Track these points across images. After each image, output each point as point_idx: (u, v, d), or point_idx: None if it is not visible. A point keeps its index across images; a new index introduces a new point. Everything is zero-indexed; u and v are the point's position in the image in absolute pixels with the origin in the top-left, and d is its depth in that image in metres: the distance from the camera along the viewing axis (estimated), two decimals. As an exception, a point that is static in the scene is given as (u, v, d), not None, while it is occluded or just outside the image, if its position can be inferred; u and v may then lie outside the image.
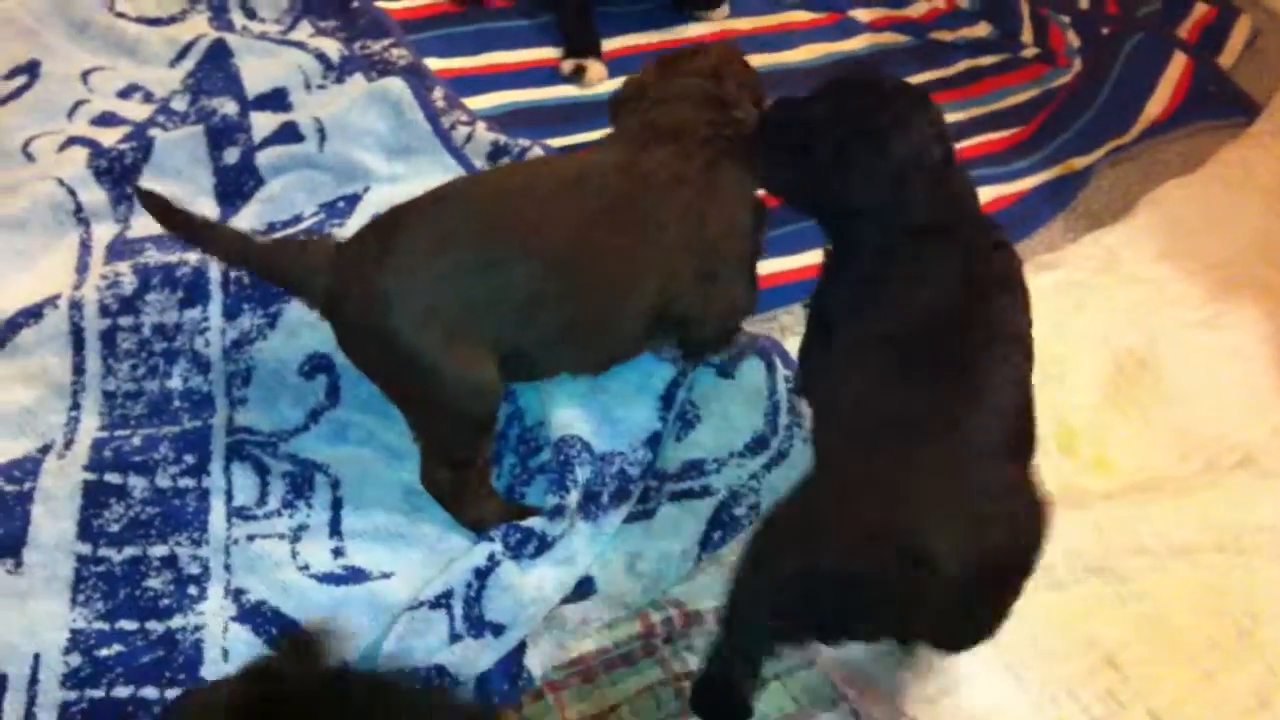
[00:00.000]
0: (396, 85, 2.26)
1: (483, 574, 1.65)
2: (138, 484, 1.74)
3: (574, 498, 1.73)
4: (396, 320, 1.61)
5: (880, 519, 1.39)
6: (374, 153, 2.19)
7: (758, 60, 2.59)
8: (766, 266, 2.05)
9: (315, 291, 1.69)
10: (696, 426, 1.91)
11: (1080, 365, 2.10)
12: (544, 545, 1.70)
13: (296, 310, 1.90)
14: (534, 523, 1.71)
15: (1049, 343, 2.05)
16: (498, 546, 1.67)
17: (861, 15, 2.86)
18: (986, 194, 2.40)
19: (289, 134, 2.19)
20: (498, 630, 1.63)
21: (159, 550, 1.70)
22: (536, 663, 1.66)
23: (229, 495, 1.77)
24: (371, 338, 1.65)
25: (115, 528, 1.70)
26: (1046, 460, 1.92)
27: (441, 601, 1.63)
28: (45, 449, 1.77)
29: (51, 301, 1.91)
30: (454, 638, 1.62)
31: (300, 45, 2.42)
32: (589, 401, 1.85)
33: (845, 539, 1.40)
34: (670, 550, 1.79)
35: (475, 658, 1.62)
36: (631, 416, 1.86)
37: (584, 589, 1.74)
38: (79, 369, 1.87)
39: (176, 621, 1.64)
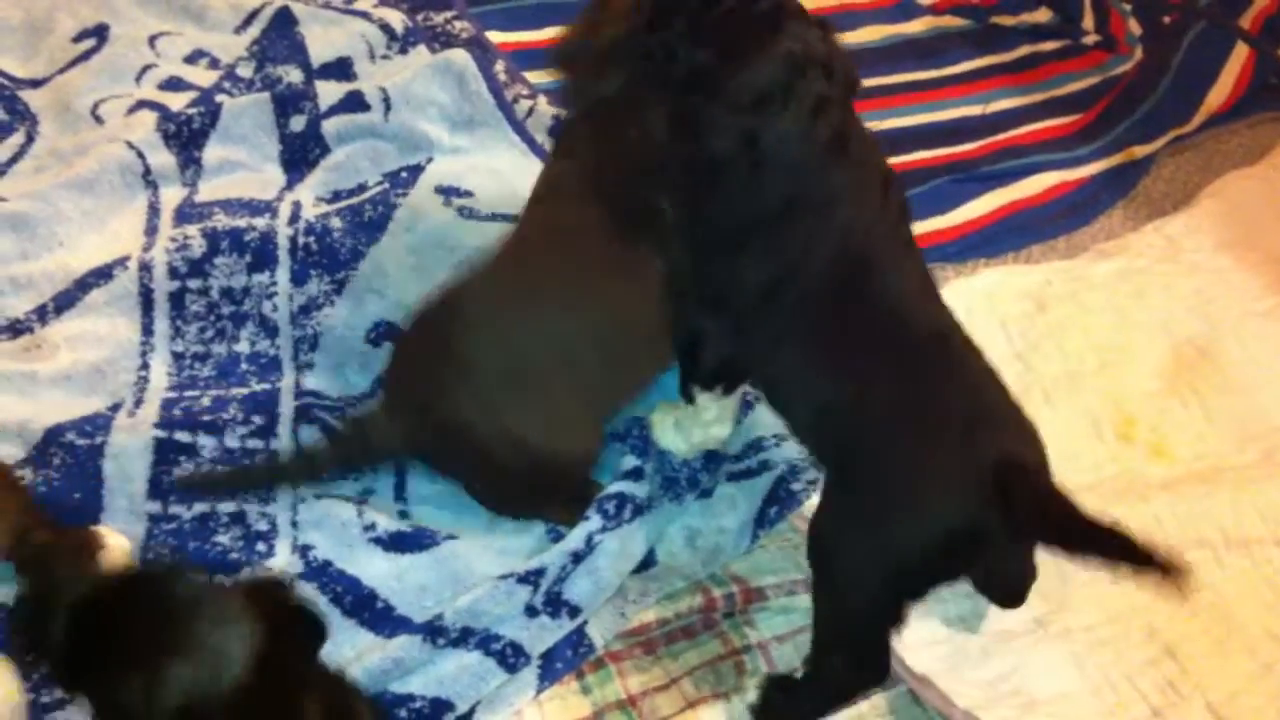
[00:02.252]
0: (461, 57, 2.27)
1: (579, 557, 1.67)
2: (207, 443, 1.76)
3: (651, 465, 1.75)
4: (490, 414, 1.65)
5: (967, 454, 1.44)
6: (437, 124, 2.21)
7: (817, 40, 2.59)
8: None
9: (400, 444, 1.72)
10: (756, 406, 1.92)
11: (1140, 353, 2.09)
12: (638, 508, 1.73)
13: (363, 278, 1.93)
14: (621, 486, 1.73)
15: (1109, 330, 2.07)
16: (594, 525, 1.69)
17: (926, -5, 2.85)
18: (1047, 180, 2.43)
19: (354, 103, 2.20)
20: (574, 612, 1.65)
21: (227, 507, 1.71)
22: (598, 632, 1.67)
23: (299, 452, 1.78)
24: (469, 440, 1.67)
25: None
26: (1104, 447, 1.95)
27: (530, 578, 1.64)
28: (115, 407, 1.79)
29: (121, 262, 1.92)
30: (530, 612, 1.63)
31: (364, 15, 2.42)
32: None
33: (953, 483, 1.44)
34: (727, 526, 1.80)
35: (545, 635, 1.63)
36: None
37: (645, 561, 1.75)
38: (147, 329, 1.89)
39: (244, 576, 1.66)
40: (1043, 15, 2.85)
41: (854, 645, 1.57)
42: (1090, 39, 2.80)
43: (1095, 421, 1.99)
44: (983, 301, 2.11)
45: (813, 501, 1.82)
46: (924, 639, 1.68)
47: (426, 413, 1.66)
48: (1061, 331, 2.08)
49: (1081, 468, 1.92)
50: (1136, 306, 2.16)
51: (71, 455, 1.71)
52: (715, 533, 1.78)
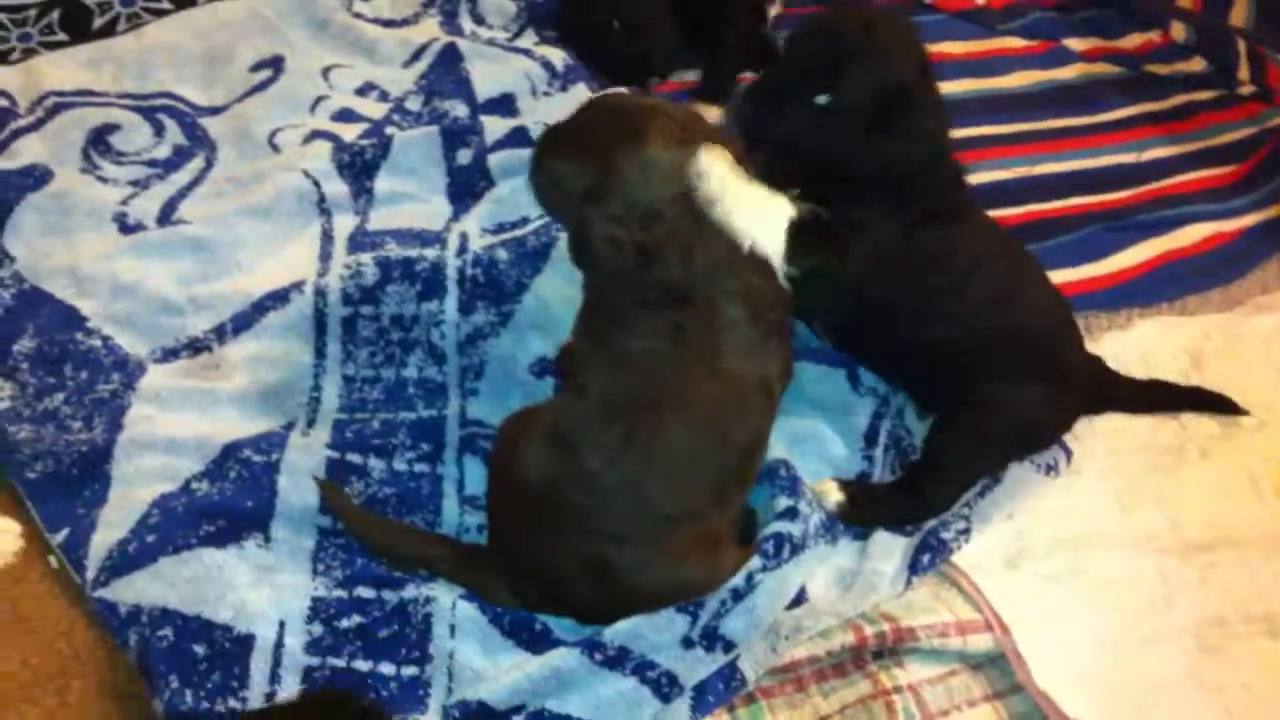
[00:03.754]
0: (620, 92, 2.32)
1: (738, 595, 1.69)
2: (376, 465, 1.83)
3: (805, 503, 1.77)
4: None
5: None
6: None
7: (969, 85, 2.63)
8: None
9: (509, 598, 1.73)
10: (912, 456, 1.95)
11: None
12: (795, 548, 1.75)
13: (526, 312, 1.98)
14: (779, 526, 1.75)
15: (1268, 388, 2.05)
16: (755, 564, 1.71)
17: (1075, 45, 2.85)
18: (1202, 230, 2.41)
19: (519, 138, 2.27)
20: (728, 647, 1.67)
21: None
22: (750, 666, 1.69)
23: (460, 484, 1.84)
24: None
25: (357, 502, 1.79)
26: (1263, 504, 1.92)
27: (690, 609, 1.67)
28: (289, 425, 1.87)
29: (297, 287, 2.00)
30: (686, 643, 1.66)
31: (527, 52, 2.50)
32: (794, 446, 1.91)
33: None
34: (881, 569, 1.81)
35: (699, 667, 1.66)
36: (836, 454, 1.96)
37: (797, 598, 1.77)
38: (320, 352, 1.96)
39: (409, 592, 1.71)
40: (1197, 65, 2.83)
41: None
42: (1246, 89, 2.77)
43: (1254, 479, 1.97)
44: (1137, 357, 2.10)
45: (964, 550, 1.83)
46: (1076, 677, 1.68)
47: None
48: (1219, 388, 2.06)
49: (1239, 525, 1.91)
50: (1298, 362, 2.12)
51: (248, 470, 1.79)
52: (868, 574, 1.79)
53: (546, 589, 1.69)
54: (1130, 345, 2.13)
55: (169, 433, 1.83)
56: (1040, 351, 1.86)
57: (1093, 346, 2.06)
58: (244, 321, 1.99)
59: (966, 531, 1.85)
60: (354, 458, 1.83)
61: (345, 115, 2.36)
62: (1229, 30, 2.85)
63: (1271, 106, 2.72)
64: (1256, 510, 1.93)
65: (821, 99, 1.73)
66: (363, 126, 2.33)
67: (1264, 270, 2.39)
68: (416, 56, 2.49)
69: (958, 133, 2.51)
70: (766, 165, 1.72)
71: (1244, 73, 2.79)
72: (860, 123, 1.73)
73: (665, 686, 1.64)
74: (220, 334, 1.98)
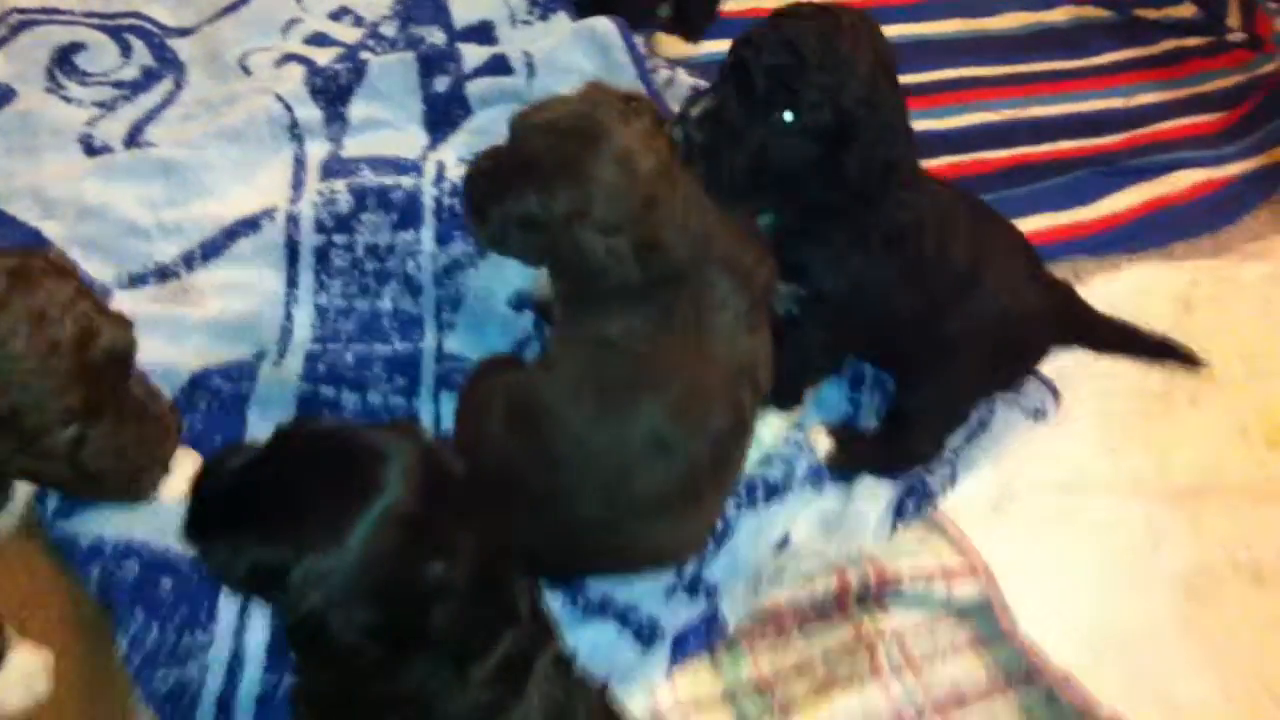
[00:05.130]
0: (605, 25, 2.25)
1: (719, 538, 1.67)
2: (350, 398, 1.77)
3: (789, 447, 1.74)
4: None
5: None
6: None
7: (957, 25, 2.58)
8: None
9: None
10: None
11: (1289, 359, 2.04)
12: (773, 489, 1.72)
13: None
14: (754, 471, 1.72)
15: (1258, 336, 2.02)
16: (729, 505, 1.68)
17: (1068, -16, 2.79)
18: (1191, 177, 2.38)
19: (499, 66, 2.20)
20: (710, 591, 1.64)
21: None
22: (731, 611, 1.65)
23: (437, 419, 1.79)
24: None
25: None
26: (1251, 452, 1.90)
27: (673, 559, 1.64)
28: (260, 355, 1.81)
29: (268, 214, 1.94)
30: (669, 592, 1.63)
31: (507, -22, 2.42)
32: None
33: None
34: (865, 513, 1.77)
35: (681, 612, 1.63)
36: (822, 395, 1.91)
37: (780, 542, 1.73)
38: (292, 281, 1.90)
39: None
40: (1187, 10, 2.79)
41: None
42: (1235, 36, 2.73)
43: (1243, 428, 1.95)
44: (1127, 301, 2.06)
45: (950, 495, 1.80)
46: (1062, 625, 1.66)
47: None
48: (1209, 335, 2.02)
49: (1228, 472, 1.89)
50: (1288, 310, 2.10)
51: (217, 400, 1.73)
52: (853, 519, 1.76)
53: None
54: (1120, 290, 2.10)
55: (137, 360, 1.76)
56: (1009, 320, 1.77)
57: (1082, 291, 2.02)
58: (214, 248, 1.92)
59: (952, 477, 1.82)
60: (327, 390, 1.77)
61: (319, 39, 2.29)
62: (1220, -25, 2.82)
63: (1260, 54, 2.68)
64: (1244, 458, 1.92)
65: (785, 116, 1.56)
66: (337, 51, 2.25)
67: (1253, 218, 2.37)
68: (393, -20, 2.41)
69: (945, 74, 2.50)
70: (719, 189, 1.60)
71: (1234, 19, 2.76)
72: (820, 139, 1.57)
73: (646, 632, 1.61)
74: (189, 260, 1.91)
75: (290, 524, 1.13)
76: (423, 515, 1.15)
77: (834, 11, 1.61)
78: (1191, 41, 2.72)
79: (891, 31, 2.35)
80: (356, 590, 1.12)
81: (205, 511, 1.18)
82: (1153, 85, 2.60)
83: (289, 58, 2.22)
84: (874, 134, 1.57)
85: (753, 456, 1.76)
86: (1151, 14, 2.77)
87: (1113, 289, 2.12)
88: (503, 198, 1.48)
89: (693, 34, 2.49)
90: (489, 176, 1.52)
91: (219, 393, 1.74)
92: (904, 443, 1.82)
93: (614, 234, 1.46)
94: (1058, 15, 2.74)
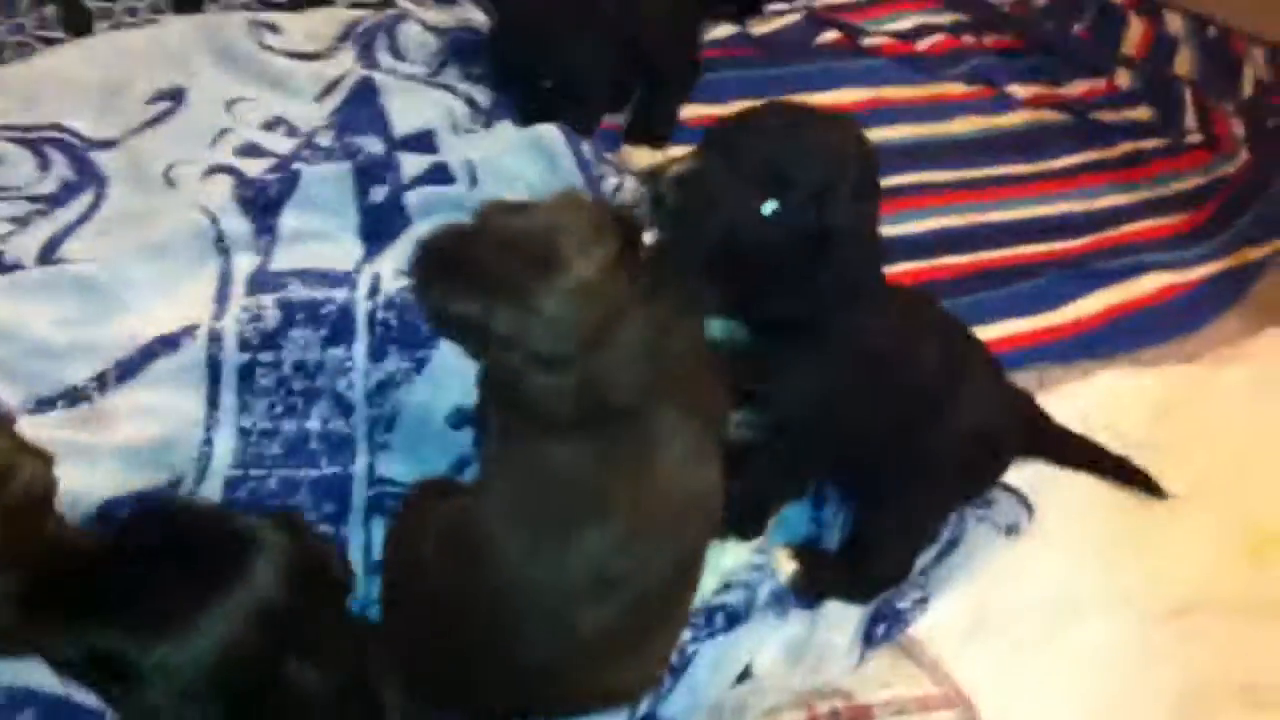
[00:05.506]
0: (550, 132, 2.18)
1: (676, 671, 1.55)
2: (273, 528, 1.64)
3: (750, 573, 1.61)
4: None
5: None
6: (523, 199, 2.10)
7: (912, 131, 2.53)
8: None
9: None
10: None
11: (1269, 469, 1.94)
12: (733, 617, 1.61)
13: (443, 358, 1.81)
14: (713, 599, 1.61)
15: (1237, 445, 1.94)
16: (686, 635, 1.56)
17: (1018, 91, 2.76)
18: (1158, 280, 2.32)
19: (440, 175, 2.11)
20: (667, 729, 1.50)
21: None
22: (690, 752, 1.52)
23: (367, 549, 1.66)
24: None
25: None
26: (1239, 568, 1.80)
27: (624, 699, 1.50)
28: (176, 483, 1.68)
29: (189, 331, 1.82)
30: (622, 731, 1.49)
31: (448, 88, 2.36)
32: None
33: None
34: (833, 641, 1.65)
35: (637, 753, 1.49)
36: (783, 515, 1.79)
37: (742, 673, 1.60)
38: (213, 403, 1.77)
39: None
40: (1143, 113, 2.76)
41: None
42: (1193, 138, 2.69)
43: (1227, 541, 1.84)
44: (1099, 409, 1.98)
45: (922, 619, 1.68)
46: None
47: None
48: (1187, 443, 1.94)
49: (1216, 589, 1.78)
50: (1266, 417, 2.00)
51: (126, 534, 1.59)
52: (820, 647, 1.63)
53: (451, 703, 1.49)
54: (1092, 397, 2.00)
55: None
56: (979, 436, 1.70)
57: (1051, 399, 1.94)
58: (129, 369, 1.79)
59: (924, 600, 1.70)
60: (247, 519, 1.64)
61: (250, 150, 2.19)
62: (1174, 78, 2.80)
63: (1220, 154, 2.64)
64: (1232, 574, 1.80)
65: (767, 206, 1.42)
66: (269, 162, 2.15)
67: (1223, 322, 2.29)
68: (329, 90, 2.33)
69: (902, 179, 2.44)
70: (684, 273, 1.46)
71: (1190, 120, 2.72)
72: (796, 243, 1.44)
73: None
74: (102, 382, 1.77)
75: (139, 610, 1.01)
76: (289, 611, 1.02)
77: (834, 117, 1.53)
78: (1149, 144, 2.68)
79: None
80: (208, 686, 0.99)
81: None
82: (1113, 188, 2.55)
83: (217, 169, 2.12)
84: (853, 253, 1.47)
85: (711, 584, 1.64)
86: (1108, 116, 2.73)
87: (1083, 396, 2.02)
88: (449, 288, 1.36)
89: (659, 141, 2.42)
90: (442, 259, 1.38)
91: (129, 525, 1.60)
92: (870, 565, 1.70)
93: (552, 370, 1.34)
94: (1013, 119, 2.70)
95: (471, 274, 1.33)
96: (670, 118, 2.47)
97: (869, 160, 1.51)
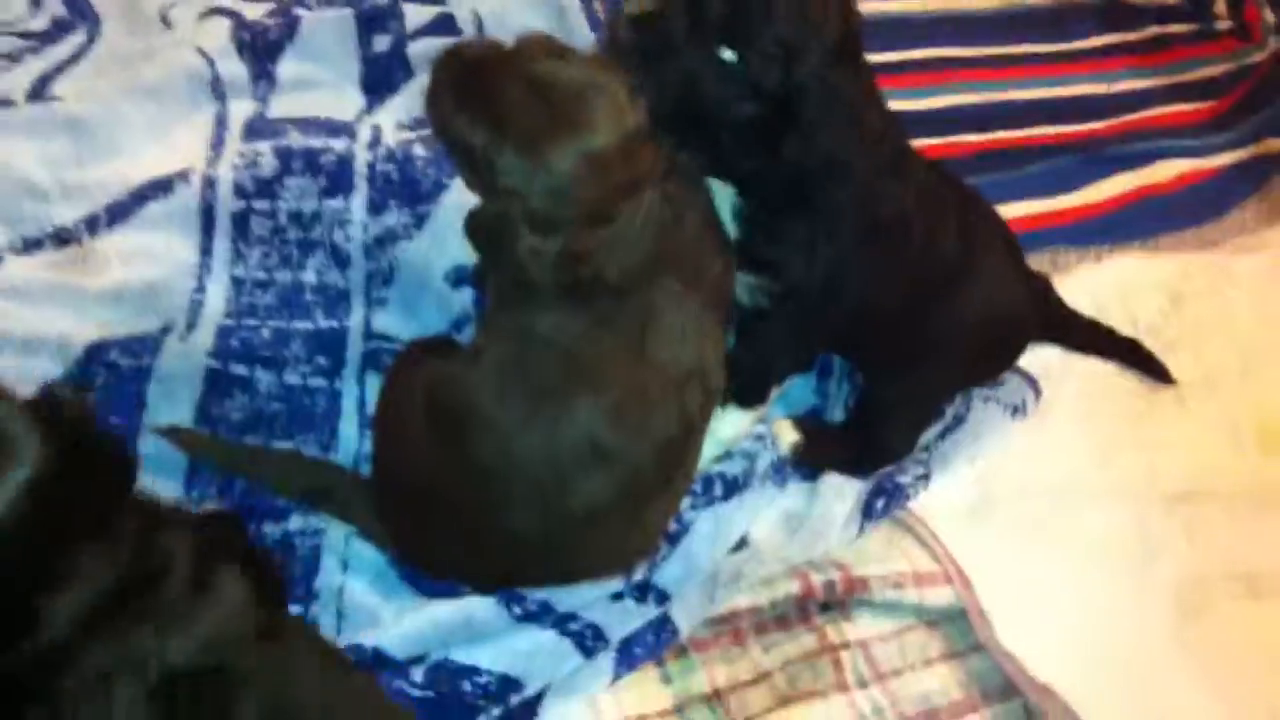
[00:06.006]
0: (561, -13, 2.10)
1: (673, 539, 1.53)
2: (264, 378, 1.61)
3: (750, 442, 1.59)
4: None
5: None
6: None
7: (934, 5, 2.46)
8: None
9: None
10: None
11: (1280, 359, 1.91)
12: (731, 486, 1.57)
13: (445, 215, 1.75)
14: (711, 468, 1.58)
15: (1252, 332, 1.90)
16: (685, 503, 1.53)
17: (1049, -35, 2.66)
18: (1177, 167, 2.27)
19: (445, 26, 2.04)
20: (661, 598, 1.49)
21: (283, 445, 1.56)
22: (683, 617, 1.50)
23: (361, 403, 1.62)
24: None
25: (237, 416, 1.57)
26: (1243, 458, 1.77)
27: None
28: (166, 329, 1.63)
29: (183, 175, 1.76)
30: (615, 596, 1.49)
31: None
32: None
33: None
34: (832, 513, 1.62)
35: (628, 619, 1.47)
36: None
37: (739, 543, 1.58)
38: (206, 250, 1.72)
39: (294, 524, 1.51)
40: (1172, -3, 2.66)
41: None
42: (1223, 24, 2.61)
43: (1234, 430, 1.82)
44: (1113, 294, 1.94)
45: (922, 496, 1.66)
46: (1047, 641, 1.51)
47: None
48: (1199, 331, 1.91)
49: (1220, 479, 1.76)
50: (1280, 307, 1.97)
51: (114, 375, 1.56)
52: (818, 519, 1.61)
53: (439, 568, 1.48)
54: (1104, 282, 1.97)
55: (28, 330, 1.58)
56: (995, 317, 1.65)
57: (1063, 282, 1.90)
58: (120, 212, 1.73)
59: (925, 476, 1.68)
60: (239, 369, 1.60)
61: (249, -8, 2.10)
62: (1206, -38, 2.71)
63: (1249, 43, 2.56)
64: (1237, 463, 1.79)
65: (727, 53, 1.34)
66: (268, 6, 2.07)
67: (1241, 211, 2.24)
68: (332, -65, 2.24)
69: (922, 53, 2.37)
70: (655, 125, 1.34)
71: (1221, 7, 2.64)
72: (760, 100, 1.36)
73: (589, 640, 1.45)
74: (92, 224, 1.72)
75: None
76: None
77: None
78: (1176, 28, 2.60)
79: (870, 8, 2.30)
80: None
81: None
82: (1136, 72, 2.48)
83: (215, 11, 2.03)
84: (826, 118, 1.37)
85: (710, 452, 1.61)
86: (1135, -1, 2.64)
87: (1096, 280, 1.98)
88: (462, 106, 1.29)
89: None
90: (465, 73, 1.30)
91: (116, 367, 1.56)
92: (875, 438, 1.67)
93: (540, 233, 1.28)
94: (1038, -2, 2.61)
95: (490, 102, 1.27)
96: None
97: (849, 25, 1.40)
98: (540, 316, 1.35)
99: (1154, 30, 2.59)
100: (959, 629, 1.57)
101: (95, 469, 1.05)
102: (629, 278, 1.33)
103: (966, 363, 1.67)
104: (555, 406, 1.32)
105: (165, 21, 2.03)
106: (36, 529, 0.97)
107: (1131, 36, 2.56)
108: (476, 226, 1.36)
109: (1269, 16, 2.63)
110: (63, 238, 1.71)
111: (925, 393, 1.68)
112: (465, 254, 1.69)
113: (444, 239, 1.73)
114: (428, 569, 1.48)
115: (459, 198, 1.74)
